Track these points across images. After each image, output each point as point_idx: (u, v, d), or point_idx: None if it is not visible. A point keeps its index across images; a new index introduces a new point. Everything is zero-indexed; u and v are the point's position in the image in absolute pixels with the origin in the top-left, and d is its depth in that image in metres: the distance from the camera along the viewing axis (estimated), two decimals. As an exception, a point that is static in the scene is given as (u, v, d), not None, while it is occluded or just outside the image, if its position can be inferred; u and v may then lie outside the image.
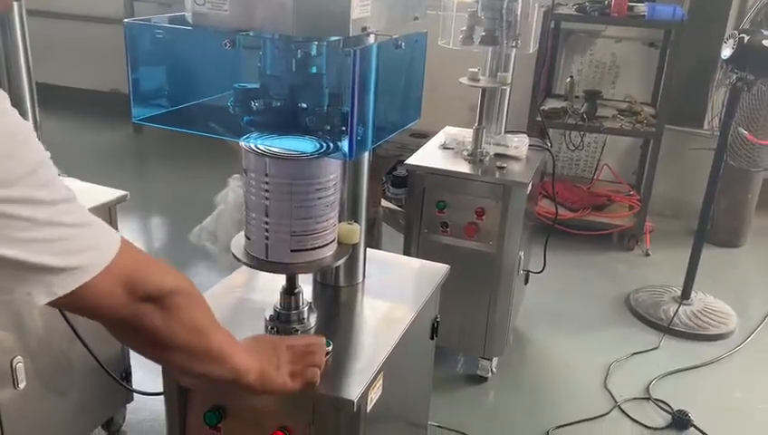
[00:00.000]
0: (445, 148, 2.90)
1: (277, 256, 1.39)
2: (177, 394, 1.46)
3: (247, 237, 1.44)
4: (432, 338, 1.83)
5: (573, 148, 4.50)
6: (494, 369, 2.93)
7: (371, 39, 1.36)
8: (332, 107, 1.22)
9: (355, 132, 1.14)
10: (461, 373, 2.99)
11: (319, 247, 1.41)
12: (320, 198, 1.35)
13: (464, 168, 2.73)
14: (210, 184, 3.51)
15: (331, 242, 1.44)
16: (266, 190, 1.32)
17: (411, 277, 1.86)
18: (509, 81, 2.75)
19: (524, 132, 3.04)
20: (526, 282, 3.20)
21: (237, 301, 1.64)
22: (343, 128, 1.19)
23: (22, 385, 2.01)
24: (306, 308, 1.54)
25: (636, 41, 4.90)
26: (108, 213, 2.23)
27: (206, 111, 1.28)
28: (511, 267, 2.73)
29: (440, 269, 1.85)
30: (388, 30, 1.33)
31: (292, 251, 1.38)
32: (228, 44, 1.14)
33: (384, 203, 3.36)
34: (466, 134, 2.89)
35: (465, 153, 2.80)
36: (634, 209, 4.44)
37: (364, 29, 1.22)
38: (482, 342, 2.84)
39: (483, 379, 2.93)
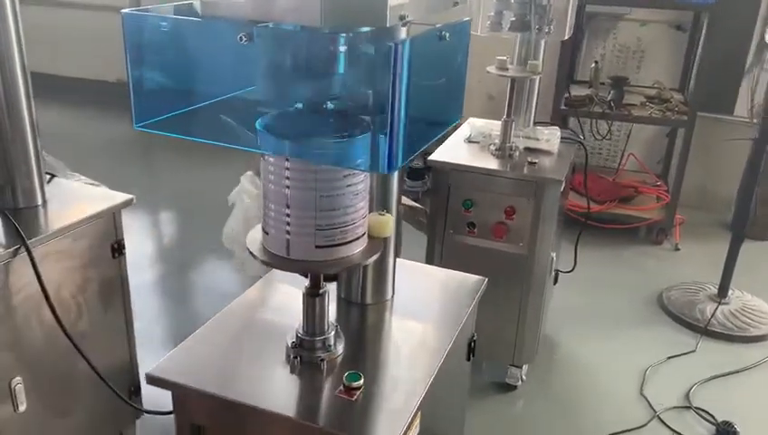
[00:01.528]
0: (470, 141, 2.72)
1: (300, 253, 1.22)
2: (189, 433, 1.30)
3: (265, 232, 1.26)
4: (468, 359, 1.66)
5: (600, 137, 4.29)
6: (523, 377, 2.76)
7: (403, 31, 1.18)
8: (365, 111, 1.04)
9: (395, 141, 0.96)
10: (487, 381, 2.82)
11: (347, 243, 1.23)
12: (348, 186, 1.17)
13: (492, 163, 2.54)
14: (222, 179, 3.35)
15: (362, 236, 1.27)
16: (287, 178, 1.15)
17: (445, 292, 1.69)
18: (540, 70, 2.55)
19: (555, 124, 2.85)
20: (555, 282, 3.02)
21: (255, 323, 1.47)
22: (380, 135, 1.01)
23: (22, 407, 1.85)
24: (333, 333, 1.37)
25: (662, 24, 4.67)
26: (112, 219, 2.07)
27: (217, 116, 1.10)
28: (543, 270, 2.55)
29: (478, 282, 1.68)
30: (427, 18, 1.15)
31: (317, 247, 1.21)
32: (244, 38, 0.96)
33: (403, 199, 3.18)
34: (493, 127, 2.71)
35: (493, 147, 2.62)
36: (662, 201, 4.24)
37: (402, 18, 1.04)
38: (511, 349, 2.67)
39: (511, 387, 2.77)
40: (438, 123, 1.20)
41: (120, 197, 2.10)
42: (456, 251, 2.59)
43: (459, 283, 1.71)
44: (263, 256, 1.22)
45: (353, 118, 1.05)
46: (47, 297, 1.79)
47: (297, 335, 1.35)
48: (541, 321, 2.69)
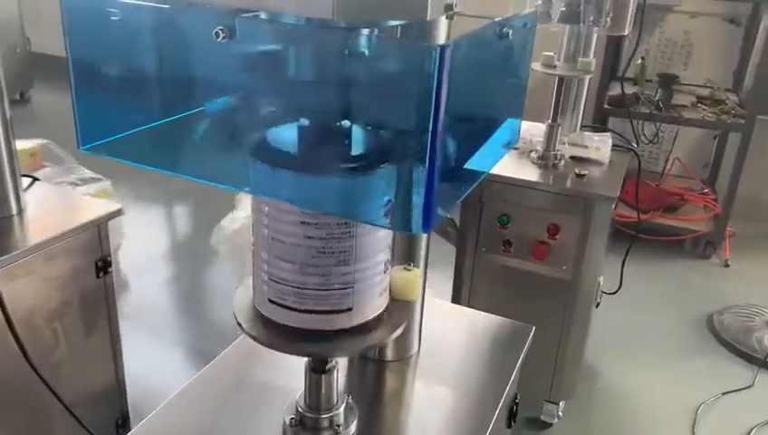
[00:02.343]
0: (508, 148, 2.40)
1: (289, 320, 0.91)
2: None
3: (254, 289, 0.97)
4: (509, 426, 1.36)
5: (647, 141, 3.94)
6: (560, 413, 2.46)
7: (444, 26, 0.88)
8: (390, 142, 0.75)
9: (435, 185, 0.66)
10: (519, 417, 2.51)
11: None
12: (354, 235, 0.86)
13: (533, 174, 2.23)
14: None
15: (382, 295, 0.96)
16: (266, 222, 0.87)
17: (484, 342, 1.39)
18: (592, 68, 2.23)
19: (607, 130, 2.52)
20: (597, 305, 2.71)
21: (246, 386, 1.18)
22: (410, 175, 0.71)
23: (-16, 451, 1.60)
24: (343, 408, 1.08)
25: (714, 16, 4.29)
26: (97, 232, 1.80)
27: (191, 136, 0.81)
28: (588, 297, 2.24)
29: (523, 330, 1.38)
30: (480, 10, 0.84)
31: (304, 312, 0.90)
32: (221, 34, 0.67)
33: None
34: (535, 131, 2.39)
35: (535, 155, 2.30)
36: (711, 211, 3.89)
37: (449, 8, 0.74)
38: (548, 383, 2.36)
39: (546, 425, 2.46)
40: (492, 152, 0.90)
41: (107, 207, 1.83)
42: (489, 272, 2.29)
43: (500, 329, 1.41)
44: (250, 325, 0.92)
45: (370, 150, 0.74)
46: (10, 325, 1.52)
47: (297, 409, 1.07)
48: (583, 352, 2.38)
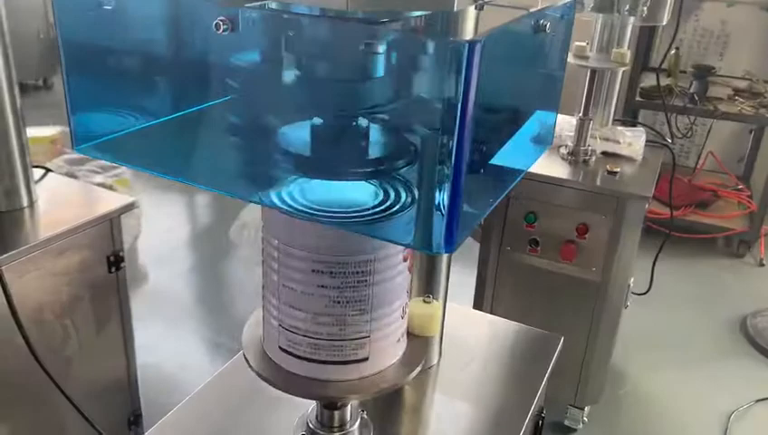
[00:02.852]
0: (536, 142, 2.31)
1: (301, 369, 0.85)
2: None
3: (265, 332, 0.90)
4: (535, 440, 1.29)
5: (681, 135, 3.80)
6: (585, 418, 2.37)
7: (470, 19, 0.79)
8: (408, 152, 0.67)
9: (459, 200, 0.58)
10: (543, 419, 2.44)
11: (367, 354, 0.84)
12: (379, 282, 0.79)
13: (562, 170, 2.13)
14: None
15: (400, 340, 0.89)
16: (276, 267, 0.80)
17: (509, 352, 1.31)
18: (627, 60, 2.12)
19: (641, 124, 2.41)
20: (626, 305, 2.61)
21: (256, 399, 1.12)
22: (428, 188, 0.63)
23: (-8, 450, 1.57)
24: (357, 425, 1.01)
25: (752, 5, 4.11)
26: (109, 227, 1.75)
27: (192, 137, 0.74)
28: (618, 300, 2.15)
29: (551, 342, 1.30)
30: (511, 0, 0.76)
31: (317, 362, 0.83)
32: (222, 26, 0.60)
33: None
34: (564, 125, 2.28)
35: (564, 150, 2.20)
36: (745, 208, 3.75)
37: (478, -3, 0.66)
38: (574, 388, 2.28)
39: (570, 430, 2.38)
40: (522, 159, 0.81)
41: (120, 200, 1.77)
42: (514, 272, 2.21)
43: (526, 339, 1.33)
44: (260, 365, 0.86)
45: (388, 157, 0.66)
46: (18, 321, 1.47)
47: (309, 425, 1.00)
48: (610, 356, 2.29)
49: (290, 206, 0.69)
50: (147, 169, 0.72)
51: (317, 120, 0.72)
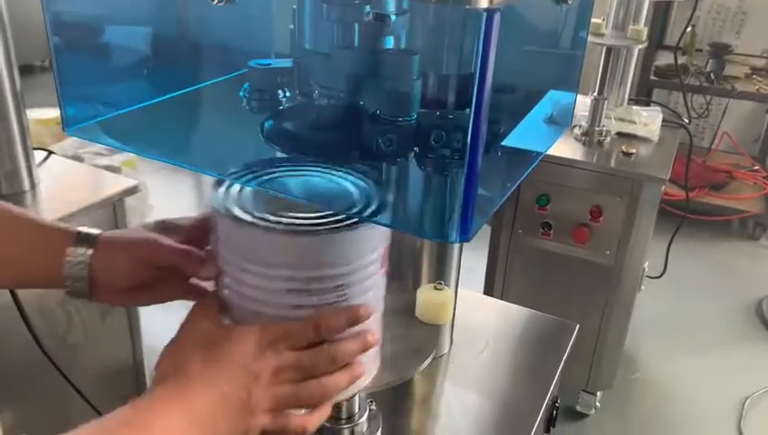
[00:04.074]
0: (549, 122, 2.25)
1: None
2: None
3: None
4: (548, 430, 1.25)
5: (697, 115, 3.71)
6: (597, 404, 2.34)
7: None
8: (427, 118, 0.62)
9: (475, 181, 0.53)
10: (554, 404, 2.40)
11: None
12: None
13: (576, 151, 2.08)
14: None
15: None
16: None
17: (522, 340, 1.27)
18: (644, 38, 2.05)
19: (657, 104, 2.35)
20: (640, 289, 2.56)
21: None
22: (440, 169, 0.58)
23: (-4, 437, 1.55)
24: (366, 416, 0.97)
25: (771, -19, 4.02)
26: (112, 210, 1.71)
27: (191, 116, 0.69)
28: (632, 284, 2.10)
29: (566, 329, 1.25)
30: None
31: None
32: (217, -4, 0.55)
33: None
34: (578, 104, 2.21)
35: (578, 131, 2.14)
36: (761, 190, 3.68)
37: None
38: (586, 373, 2.24)
39: (583, 415, 2.35)
40: (539, 141, 0.76)
41: (123, 183, 1.74)
42: (526, 256, 2.16)
43: (540, 327, 1.29)
44: None
45: (397, 137, 0.61)
46: (20, 309, 1.44)
47: (316, 417, 0.96)
48: (623, 343, 2.25)
49: (289, 193, 0.64)
50: (138, 151, 0.68)
51: (322, 101, 0.67)
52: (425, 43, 0.56)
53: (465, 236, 0.54)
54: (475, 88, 0.51)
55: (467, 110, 0.52)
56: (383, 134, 0.61)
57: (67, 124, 0.70)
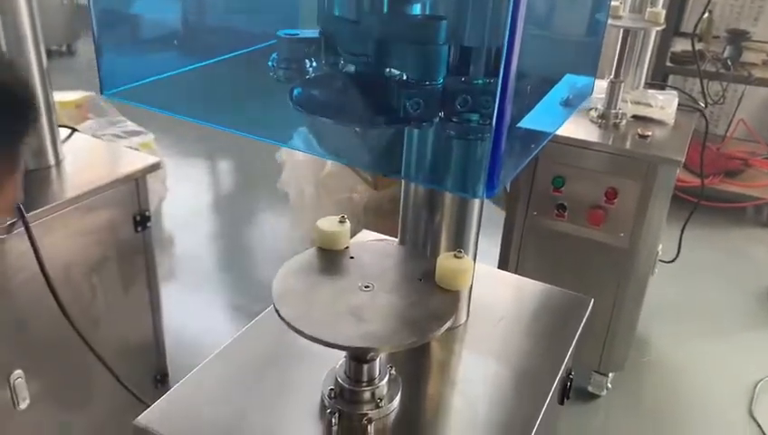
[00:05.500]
0: (564, 105, 2.26)
1: None
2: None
3: None
4: (562, 402, 1.27)
5: (713, 101, 3.70)
6: (609, 385, 2.36)
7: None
8: (456, 82, 0.64)
9: (503, 139, 0.56)
10: (566, 385, 2.42)
11: None
12: None
13: (592, 133, 2.09)
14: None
15: None
16: None
17: (538, 313, 1.29)
18: (662, 20, 2.06)
19: (674, 88, 2.35)
20: (653, 273, 2.57)
21: (284, 354, 1.11)
22: (480, 127, 0.60)
23: (24, 404, 1.59)
24: (386, 380, 1.00)
25: (790, -33, 3.99)
26: (135, 186, 1.75)
27: (222, 83, 0.72)
28: (645, 267, 2.12)
29: (581, 303, 1.28)
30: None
31: None
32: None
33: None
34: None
35: (594, 113, 2.15)
36: (777, 177, 3.67)
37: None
38: (598, 354, 2.26)
39: (594, 396, 2.37)
40: (564, 104, 0.78)
41: (145, 160, 1.77)
42: (540, 237, 2.18)
43: (556, 300, 1.31)
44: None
45: (427, 96, 0.63)
46: (47, 279, 1.48)
47: (337, 380, 1.00)
48: (636, 323, 2.27)
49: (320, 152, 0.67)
50: (172, 112, 0.70)
51: (350, 67, 0.70)
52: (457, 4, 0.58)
53: (492, 190, 0.57)
54: (505, 48, 0.53)
55: (496, 74, 0.54)
56: (411, 97, 0.64)
57: (105, 87, 0.73)
